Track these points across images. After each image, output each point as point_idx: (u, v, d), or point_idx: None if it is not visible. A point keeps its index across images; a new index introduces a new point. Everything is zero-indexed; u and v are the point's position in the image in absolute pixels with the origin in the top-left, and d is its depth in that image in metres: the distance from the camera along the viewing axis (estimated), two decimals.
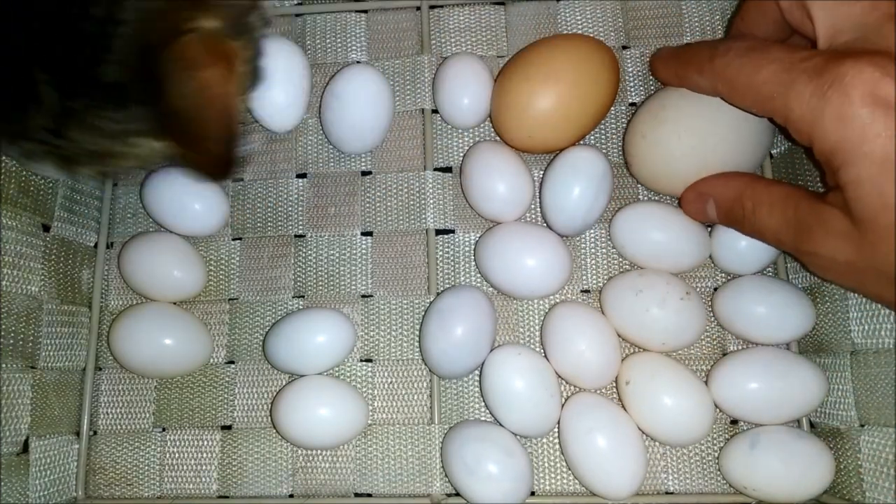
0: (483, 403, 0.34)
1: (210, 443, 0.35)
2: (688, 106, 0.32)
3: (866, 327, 0.30)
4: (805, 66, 0.24)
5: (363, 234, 0.37)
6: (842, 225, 0.24)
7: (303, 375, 0.34)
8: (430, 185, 0.37)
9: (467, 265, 0.36)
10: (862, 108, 0.22)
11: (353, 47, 0.39)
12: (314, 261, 0.37)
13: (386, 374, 0.35)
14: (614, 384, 0.34)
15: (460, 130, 0.38)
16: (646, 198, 0.36)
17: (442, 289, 0.36)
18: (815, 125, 0.24)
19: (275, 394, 0.35)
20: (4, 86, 0.25)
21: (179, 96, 0.24)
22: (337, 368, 0.35)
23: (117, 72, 0.24)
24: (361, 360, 0.36)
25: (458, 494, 0.33)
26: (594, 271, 0.36)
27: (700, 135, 0.32)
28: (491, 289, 0.36)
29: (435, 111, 0.38)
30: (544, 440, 0.34)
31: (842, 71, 0.23)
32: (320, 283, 0.37)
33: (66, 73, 0.24)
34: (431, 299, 0.35)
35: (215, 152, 0.26)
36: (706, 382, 0.33)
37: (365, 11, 0.39)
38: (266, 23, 0.30)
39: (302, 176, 0.38)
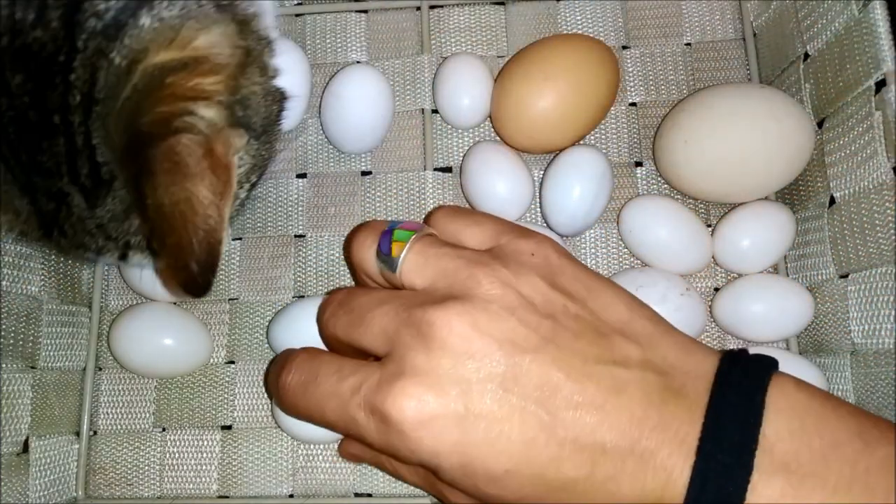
0: None
1: (210, 443, 0.35)
2: (727, 111, 0.32)
3: (866, 327, 0.30)
4: (358, 402, 0.25)
5: None
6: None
7: None
8: (430, 185, 0.37)
9: None
10: (419, 434, 0.23)
11: (353, 47, 0.39)
12: (314, 261, 0.37)
13: None
14: None
15: (460, 130, 0.38)
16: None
17: None
18: (397, 455, 0.25)
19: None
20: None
21: (159, 205, 0.22)
22: None
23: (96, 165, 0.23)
24: None
25: None
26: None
27: (742, 138, 0.32)
28: None
29: (435, 111, 0.38)
30: None
31: (386, 412, 0.23)
32: (320, 283, 0.37)
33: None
34: None
35: (190, 271, 0.23)
36: None
37: (365, 11, 0.39)
38: (279, 119, 0.29)
39: (302, 176, 0.38)
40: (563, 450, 0.23)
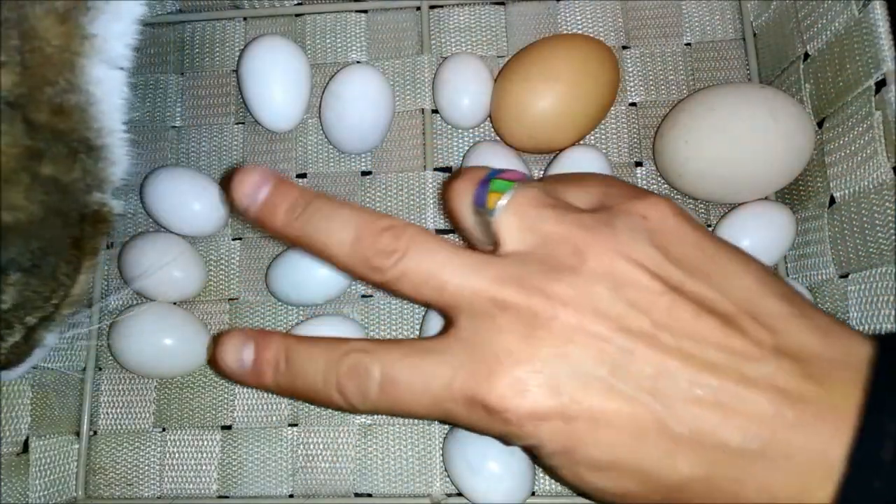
0: None
1: (210, 443, 0.35)
2: (727, 111, 0.32)
3: (866, 327, 0.30)
4: (453, 396, 0.23)
5: None
6: None
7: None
8: (430, 185, 0.37)
9: None
10: (522, 423, 0.22)
11: (353, 47, 0.39)
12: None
13: None
14: None
15: (460, 130, 0.38)
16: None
17: None
18: (491, 435, 0.24)
19: (274, 394, 0.35)
20: None
21: None
22: None
23: None
24: None
25: (458, 494, 0.33)
26: None
27: (745, 139, 0.32)
28: None
29: (435, 111, 0.38)
30: None
31: (489, 404, 0.22)
32: None
33: None
34: None
35: None
36: None
37: (365, 11, 0.39)
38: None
39: (302, 176, 0.38)
40: (677, 446, 0.21)
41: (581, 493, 0.24)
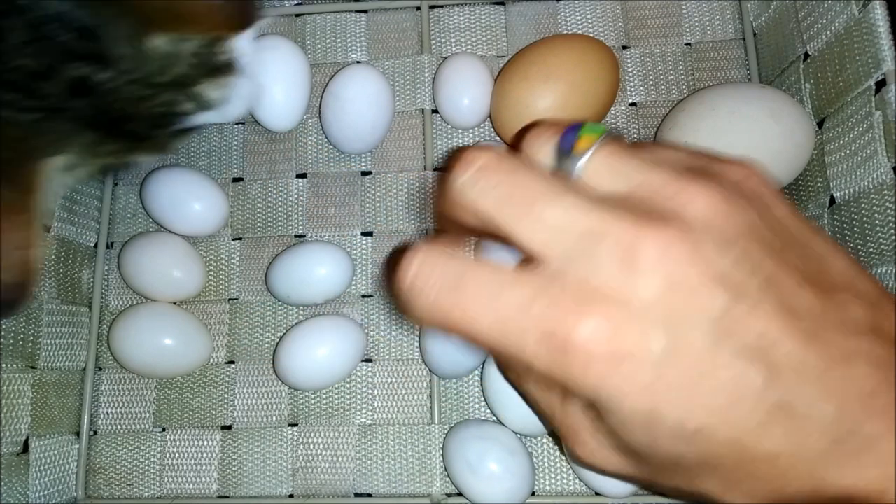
0: (483, 403, 0.34)
1: (210, 443, 0.35)
2: (727, 111, 0.32)
3: None
4: (527, 324, 0.20)
5: (363, 234, 0.37)
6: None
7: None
8: (430, 185, 0.37)
9: None
10: (608, 370, 0.19)
11: (353, 47, 0.39)
12: None
13: (386, 374, 0.35)
14: None
15: (460, 130, 0.38)
16: None
17: None
18: (564, 384, 0.20)
19: (274, 394, 0.35)
20: None
21: None
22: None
23: None
24: (362, 361, 0.36)
25: (458, 494, 0.33)
26: None
27: (746, 138, 0.32)
28: None
29: (435, 111, 0.38)
30: (545, 439, 0.34)
31: (570, 341, 0.19)
32: None
33: None
34: None
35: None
36: None
37: (365, 11, 0.39)
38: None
39: (302, 176, 0.38)
40: (771, 416, 0.19)
41: (643, 461, 0.22)
